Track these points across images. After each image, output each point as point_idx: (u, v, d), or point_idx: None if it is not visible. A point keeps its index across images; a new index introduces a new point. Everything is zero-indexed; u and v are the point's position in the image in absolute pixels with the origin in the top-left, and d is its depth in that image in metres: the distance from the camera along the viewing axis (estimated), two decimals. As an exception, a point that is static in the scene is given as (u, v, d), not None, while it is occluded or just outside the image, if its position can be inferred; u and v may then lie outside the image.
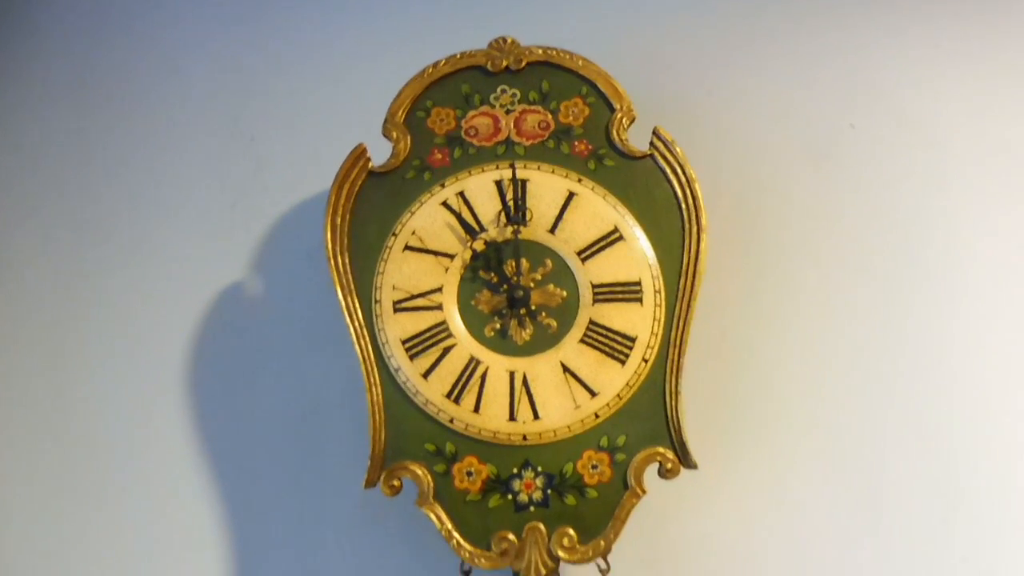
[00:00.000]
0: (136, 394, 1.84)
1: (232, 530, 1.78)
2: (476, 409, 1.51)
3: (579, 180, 1.57)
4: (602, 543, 1.48)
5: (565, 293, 1.54)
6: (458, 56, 1.61)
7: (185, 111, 1.95)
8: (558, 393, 1.51)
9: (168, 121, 1.95)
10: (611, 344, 1.52)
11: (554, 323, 1.54)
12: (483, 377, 1.51)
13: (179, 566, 1.77)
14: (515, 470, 1.51)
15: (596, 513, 1.49)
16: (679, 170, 1.56)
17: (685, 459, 1.50)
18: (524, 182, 1.56)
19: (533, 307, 1.54)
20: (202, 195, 1.91)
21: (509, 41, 1.61)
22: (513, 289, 1.52)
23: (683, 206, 1.56)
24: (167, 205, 1.91)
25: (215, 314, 1.85)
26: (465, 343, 1.53)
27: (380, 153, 1.59)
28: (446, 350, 1.52)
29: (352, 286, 1.55)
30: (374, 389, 1.52)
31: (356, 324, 1.54)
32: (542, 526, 1.49)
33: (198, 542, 1.77)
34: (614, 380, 1.51)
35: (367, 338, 1.53)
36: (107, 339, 1.87)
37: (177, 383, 1.83)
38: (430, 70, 1.61)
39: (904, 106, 1.83)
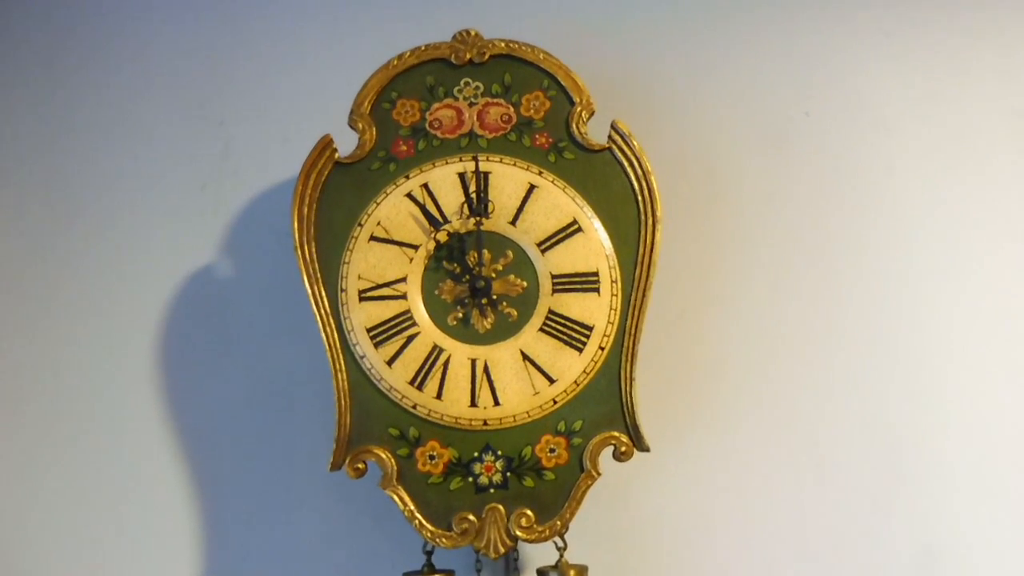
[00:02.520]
0: (103, 375, 1.83)
1: (198, 509, 1.78)
2: (439, 395, 1.52)
3: (540, 173, 1.57)
4: (558, 523, 1.50)
5: (525, 283, 1.55)
6: (423, 48, 1.61)
7: (154, 93, 1.93)
8: (518, 380, 1.52)
9: (137, 102, 1.93)
10: (569, 333, 1.54)
11: (515, 312, 1.55)
12: (445, 364, 1.52)
13: (144, 544, 1.78)
14: (476, 454, 1.52)
15: (553, 494, 1.51)
16: (636, 163, 1.57)
17: (639, 442, 1.52)
18: (487, 174, 1.56)
19: (494, 296, 1.55)
20: (171, 177, 1.90)
21: (473, 34, 1.61)
22: (475, 279, 1.53)
23: (639, 198, 1.57)
24: (135, 187, 1.90)
25: (183, 297, 1.85)
26: (428, 331, 1.54)
27: (347, 143, 1.58)
28: (410, 338, 1.53)
29: (318, 275, 1.55)
30: (340, 375, 1.52)
31: (322, 312, 1.54)
32: (501, 507, 1.51)
33: (163, 522, 1.78)
34: (572, 367, 1.53)
35: (333, 326, 1.54)
36: (74, 321, 1.86)
37: (144, 365, 1.83)
38: (395, 62, 1.60)
39: (857, 93, 1.85)
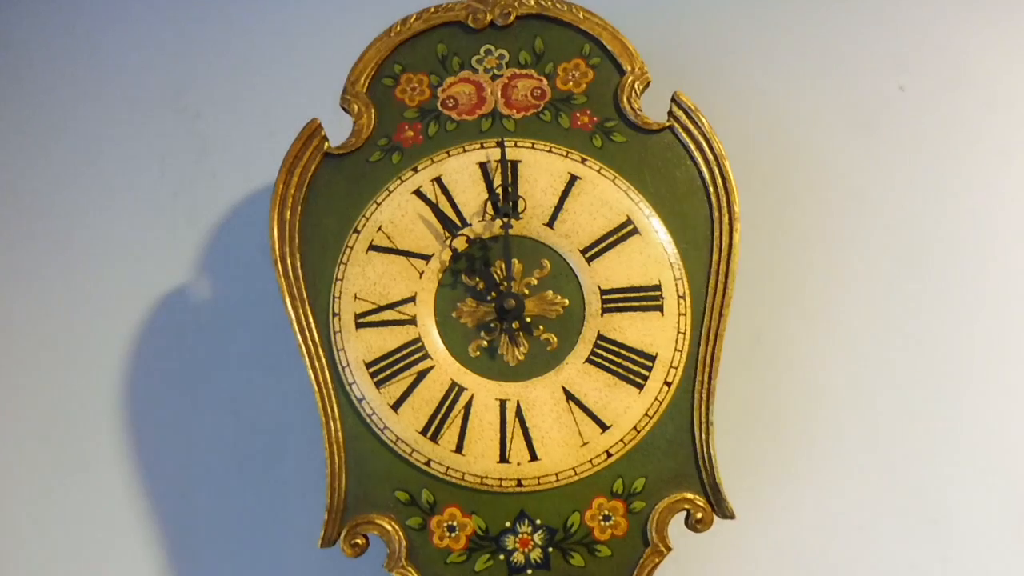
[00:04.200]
0: (58, 412, 1.73)
1: None
2: (459, 448, 1.38)
3: (582, 160, 1.43)
4: None
5: (567, 301, 1.41)
6: (432, 10, 1.48)
7: (121, 83, 1.83)
8: (560, 426, 1.38)
9: (102, 95, 1.83)
10: (625, 364, 1.39)
11: (554, 339, 1.41)
12: (467, 407, 1.39)
13: None
14: (508, 524, 1.39)
15: (610, 575, 1.38)
16: (705, 145, 1.43)
17: (719, 507, 1.38)
18: (515, 164, 1.43)
19: (528, 319, 1.41)
20: (141, 182, 1.80)
21: None
22: (503, 297, 1.39)
23: (711, 189, 1.43)
24: (101, 194, 1.80)
25: (153, 320, 1.74)
26: (444, 365, 1.40)
27: (341, 131, 1.47)
28: (421, 374, 1.39)
29: (304, 295, 1.42)
30: (332, 424, 1.40)
31: (310, 343, 1.41)
32: None
33: None
34: (630, 409, 1.38)
35: (323, 360, 1.41)
36: (27, 348, 1.76)
37: (107, 400, 1.73)
38: (398, 28, 1.48)
39: (961, 64, 1.72)
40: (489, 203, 1.41)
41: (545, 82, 1.45)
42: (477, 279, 1.41)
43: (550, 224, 1.41)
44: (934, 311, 1.64)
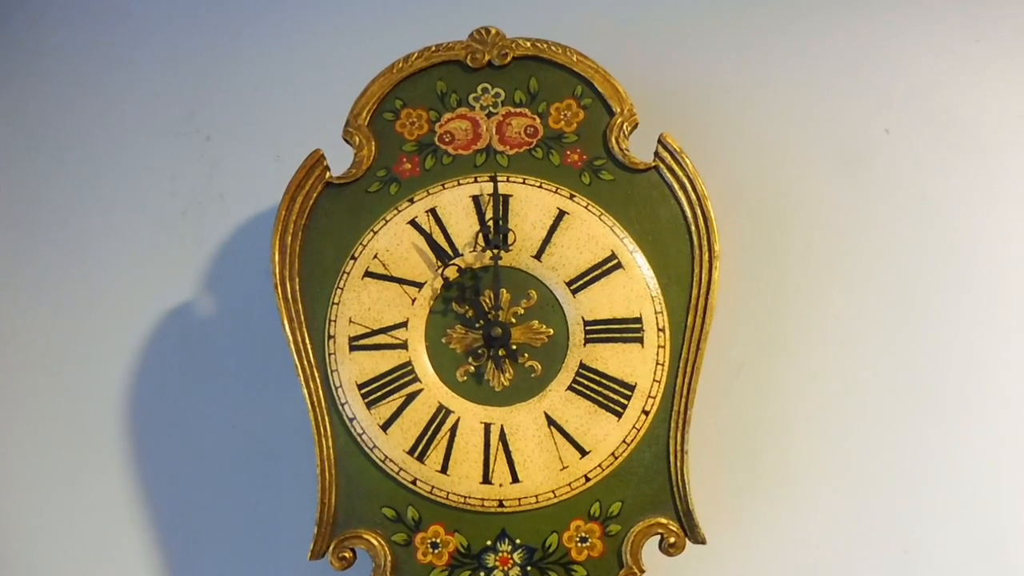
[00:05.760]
0: (64, 424, 1.72)
1: None
2: (444, 469, 1.39)
3: (571, 196, 1.45)
4: None
5: (552, 331, 1.42)
6: (433, 49, 1.49)
7: (134, 106, 1.83)
8: (541, 450, 1.39)
9: (114, 117, 1.83)
10: (605, 392, 1.40)
11: (538, 366, 1.42)
12: (453, 430, 1.39)
13: None
14: (489, 542, 1.39)
15: None
16: (688, 186, 1.44)
17: (692, 532, 1.38)
18: (507, 198, 1.44)
19: (514, 347, 1.42)
20: (150, 201, 1.80)
21: (493, 32, 1.49)
22: (490, 325, 1.40)
23: (693, 228, 1.44)
24: (110, 212, 1.80)
25: (158, 336, 1.74)
26: (433, 389, 1.41)
27: (342, 160, 1.48)
28: (410, 397, 1.40)
29: (302, 317, 1.43)
30: (324, 441, 1.40)
31: (306, 363, 1.42)
32: None
33: None
34: (609, 436, 1.39)
35: (318, 380, 1.42)
36: (35, 363, 1.75)
37: (111, 413, 1.72)
38: (400, 64, 1.49)
39: (945, 107, 1.72)
40: (480, 235, 1.42)
41: (538, 120, 1.46)
42: (467, 307, 1.42)
43: (538, 256, 1.42)
44: (909, 349, 1.64)
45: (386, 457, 1.39)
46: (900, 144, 1.71)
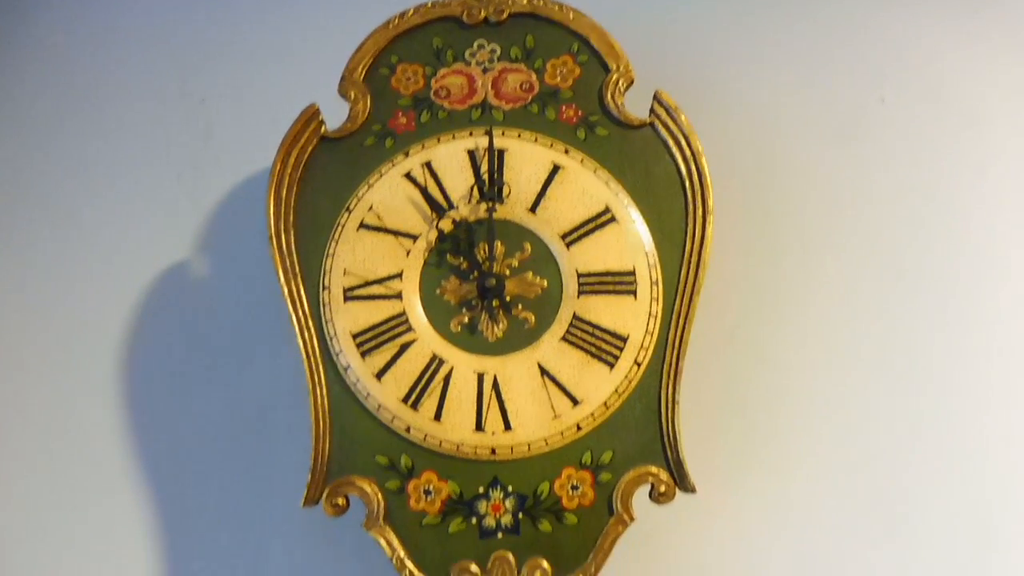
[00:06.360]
0: (61, 384, 1.72)
1: (163, 547, 1.65)
2: (437, 417, 1.39)
3: (566, 151, 1.45)
4: None
5: (546, 283, 1.42)
6: (430, 4, 1.49)
7: (127, 69, 1.82)
8: (534, 400, 1.39)
9: (108, 80, 1.82)
10: (598, 344, 1.40)
11: (532, 317, 1.41)
12: (446, 379, 1.39)
13: None
14: (481, 489, 1.39)
15: (575, 542, 1.38)
16: (683, 142, 1.44)
17: (682, 481, 1.39)
18: (502, 152, 1.44)
19: (508, 298, 1.42)
20: (144, 164, 1.79)
21: None
22: (485, 277, 1.40)
23: (687, 184, 1.44)
24: (104, 175, 1.79)
25: (154, 298, 1.74)
26: (427, 339, 1.41)
27: (339, 118, 1.48)
28: (404, 346, 1.40)
29: (297, 269, 1.43)
30: (319, 390, 1.40)
31: (300, 314, 1.42)
32: (511, 556, 1.38)
33: (123, 560, 1.66)
34: (600, 386, 1.39)
35: (312, 330, 1.42)
36: (30, 324, 1.75)
37: (108, 374, 1.72)
38: (396, 20, 1.49)
39: (941, 79, 1.72)
40: (475, 188, 1.42)
41: (534, 76, 1.46)
42: (461, 259, 1.42)
43: (533, 210, 1.42)
44: (904, 313, 1.64)
45: (380, 406, 1.39)
46: (895, 113, 1.70)
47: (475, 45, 1.48)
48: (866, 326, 1.64)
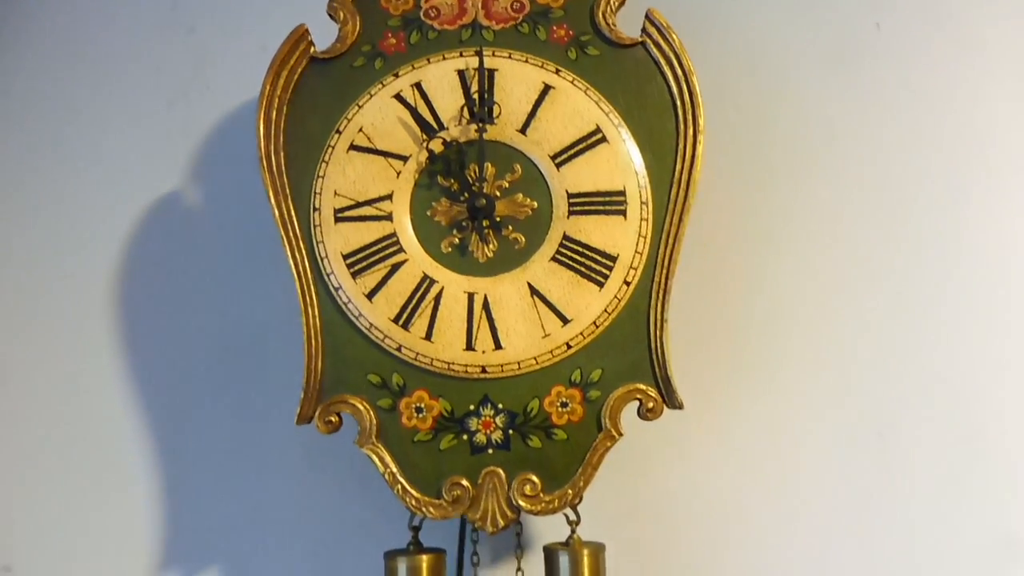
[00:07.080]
0: (54, 310, 1.73)
1: (160, 469, 1.67)
2: (428, 336, 1.38)
3: (557, 71, 1.43)
4: (570, 492, 1.37)
5: (536, 204, 1.41)
6: None
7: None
8: (524, 319, 1.38)
9: (97, 11, 1.81)
10: (588, 263, 1.39)
11: (522, 238, 1.41)
12: (437, 299, 1.39)
13: (96, 511, 1.67)
14: (472, 407, 1.39)
15: (564, 458, 1.38)
16: (675, 61, 1.42)
17: (669, 398, 1.39)
18: (492, 72, 1.42)
19: (498, 219, 1.41)
20: (135, 92, 1.78)
21: None
22: (475, 197, 1.39)
23: (678, 104, 1.42)
24: (93, 104, 1.78)
25: (147, 226, 1.74)
26: (417, 259, 1.40)
27: (329, 39, 1.46)
28: (395, 267, 1.39)
29: (287, 191, 1.42)
30: (311, 311, 1.40)
31: (291, 235, 1.41)
32: (501, 471, 1.38)
33: (120, 483, 1.67)
34: (590, 305, 1.39)
35: (304, 252, 1.41)
36: (20, 253, 1.75)
37: (100, 303, 1.72)
38: None
39: (936, 3, 1.72)
40: (466, 108, 1.40)
41: None
42: (452, 180, 1.41)
43: (523, 131, 1.40)
44: (896, 240, 1.64)
45: (371, 325, 1.38)
46: (891, 39, 1.70)
47: (465, -37, 1.45)
48: (856, 248, 1.65)
